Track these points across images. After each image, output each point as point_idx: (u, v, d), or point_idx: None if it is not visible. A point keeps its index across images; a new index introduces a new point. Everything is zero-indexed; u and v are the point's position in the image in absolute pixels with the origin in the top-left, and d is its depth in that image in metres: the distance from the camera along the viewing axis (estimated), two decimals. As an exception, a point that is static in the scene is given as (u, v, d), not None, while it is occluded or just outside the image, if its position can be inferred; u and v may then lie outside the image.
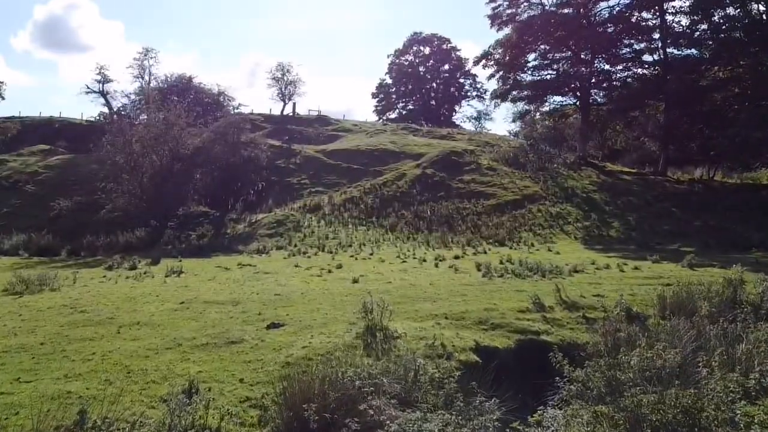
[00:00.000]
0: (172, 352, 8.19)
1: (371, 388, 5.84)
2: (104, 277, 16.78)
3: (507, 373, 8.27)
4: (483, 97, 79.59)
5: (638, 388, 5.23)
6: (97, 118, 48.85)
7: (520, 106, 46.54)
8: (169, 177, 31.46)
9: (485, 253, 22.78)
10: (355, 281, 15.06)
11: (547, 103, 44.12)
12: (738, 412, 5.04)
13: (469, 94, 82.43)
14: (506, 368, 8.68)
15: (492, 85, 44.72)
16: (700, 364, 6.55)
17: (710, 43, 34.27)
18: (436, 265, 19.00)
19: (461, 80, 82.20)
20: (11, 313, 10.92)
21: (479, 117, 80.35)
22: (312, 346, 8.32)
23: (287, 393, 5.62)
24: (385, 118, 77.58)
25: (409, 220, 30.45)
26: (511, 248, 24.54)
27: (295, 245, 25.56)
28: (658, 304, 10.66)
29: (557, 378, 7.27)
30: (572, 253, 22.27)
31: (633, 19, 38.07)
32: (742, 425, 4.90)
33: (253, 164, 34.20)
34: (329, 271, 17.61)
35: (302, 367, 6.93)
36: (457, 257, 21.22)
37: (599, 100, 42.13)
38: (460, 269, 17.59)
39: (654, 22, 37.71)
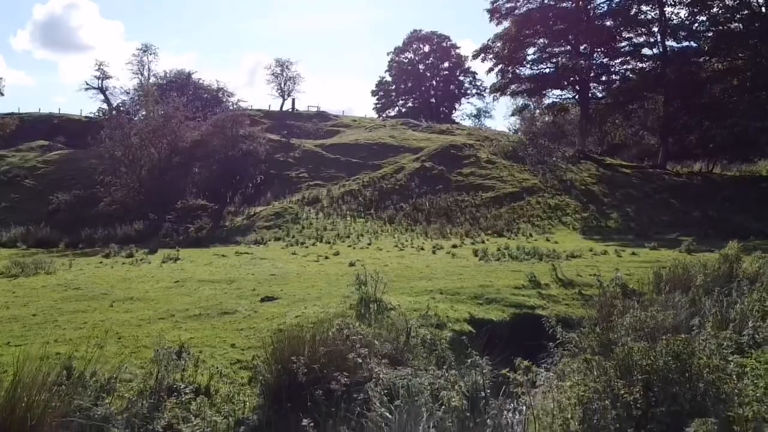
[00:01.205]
0: (165, 322, 8.16)
1: (363, 349, 5.79)
2: (101, 263, 16.75)
3: (501, 342, 8.26)
4: (482, 95, 79.58)
5: (630, 338, 5.18)
6: (96, 114, 48.82)
7: (519, 100, 46.50)
8: (167, 170, 31.42)
9: (483, 242, 22.72)
10: (352, 264, 15.03)
11: (546, 97, 44.09)
12: (731, 360, 5.01)
13: (468, 91, 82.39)
14: (501, 339, 8.66)
15: (491, 79, 44.78)
16: (693, 326, 6.51)
17: (709, 35, 34.22)
18: (434, 252, 18.99)
19: (461, 78, 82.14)
20: (5, 291, 10.89)
21: (479, 114, 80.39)
22: (305, 316, 8.28)
23: (276, 347, 5.57)
24: (384, 115, 77.50)
25: (407, 212, 30.42)
26: (509, 238, 24.49)
27: (293, 236, 25.52)
28: (653, 281, 10.60)
29: (550, 342, 7.25)
30: (570, 242, 22.23)
31: (632, 12, 38.00)
32: (734, 375, 4.85)
33: (251, 158, 34.09)
34: (326, 257, 17.58)
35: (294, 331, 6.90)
36: (455, 246, 21.16)
37: (598, 94, 42.07)
38: (458, 255, 17.57)
39: (653, 14, 37.71)
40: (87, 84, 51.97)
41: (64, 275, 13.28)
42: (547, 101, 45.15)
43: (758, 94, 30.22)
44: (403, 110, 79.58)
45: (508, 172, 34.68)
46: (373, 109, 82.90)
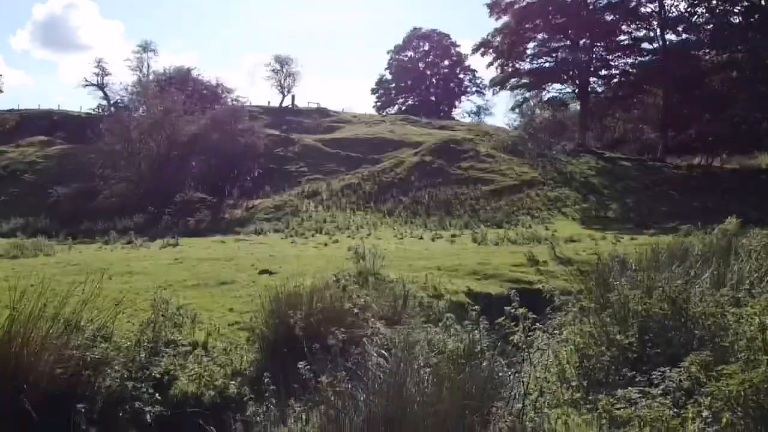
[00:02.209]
0: (163, 291, 8.15)
1: (361, 307, 5.79)
2: (100, 248, 16.77)
3: (500, 315, 8.27)
4: (482, 93, 79.46)
5: (626, 287, 5.18)
6: (96, 110, 48.84)
7: (519, 95, 46.50)
8: (166, 164, 31.47)
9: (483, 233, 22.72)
10: (350, 249, 15.02)
11: (546, 92, 44.10)
12: (727, 310, 5.00)
13: (468, 89, 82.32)
14: (500, 312, 8.67)
15: (491, 74, 44.78)
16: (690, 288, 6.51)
17: (708, 27, 34.25)
18: (433, 240, 19.03)
19: (461, 76, 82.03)
20: (4, 267, 10.89)
21: (479, 112, 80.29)
22: (303, 286, 8.27)
23: (274, 303, 5.58)
24: (384, 113, 77.47)
25: (407, 205, 30.42)
26: (508, 229, 24.48)
27: (293, 228, 25.53)
28: (651, 256, 10.58)
29: (548, 308, 7.25)
30: (569, 230, 22.23)
31: (631, 5, 38.03)
32: (731, 322, 4.84)
33: (250, 151, 34.13)
34: (325, 245, 17.62)
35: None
36: (454, 236, 21.16)
37: (598, 88, 42.08)
38: (457, 242, 17.60)
39: (652, 6, 37.74)
40: (86, 81, 51.98)
41: (63, 256, 13.30)
42: (546, 96, 45.18)
43: (758, 85, 30.22)
44: (403, 108, 79.46)
45: (507, 166, 34.67)
46: (373, 107, 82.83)
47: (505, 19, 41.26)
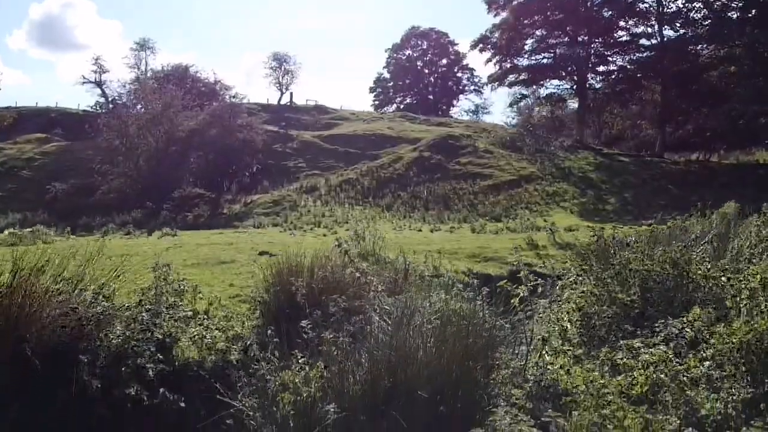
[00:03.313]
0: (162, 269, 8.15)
1: (361, 271, 5.79)
2: (98, 239, 16.72)
3: (500, 296, 8.28)
4: (480, 91, 79.45)
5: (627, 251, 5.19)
6: (94, 107, 48.75)
7: (517, 92, 46.52)
8: (164, 159, 31.44)
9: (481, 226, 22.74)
10: (349, 231, 15.04)
11: (544, 88, 44.15)
12: (727, 274, 5.01)
13: (466, 88, 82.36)
14: (500, 293, 8.68)
15: (489, 70, 44.80)
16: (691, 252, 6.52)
17: (706, 23, 34.32)
18: (432, 231, 19.02)
19: (459, 74, 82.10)
20: (3, 252, 10.86)
21: (477, 110, 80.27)
22: (305, 257, 8.28)
23: (275, 272, 5.58)
24: (382, 112, 77.49)
25: (405, 200, 30.44)
26: (506, 223, 24.53)
27: (292, 222, 25.55)
28: (651, 236, 10.60)
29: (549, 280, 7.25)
30: (568, 222, 22.25)
31: (629, 1, 38.08)
32: (734, 282, 4.85)
33: (248, 147, 34.10)
34: (324, 235, 17.61)
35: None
36: (453, 228, 21.17)
37: (596, 85, 42.15)
38: (455, 232, 17.61)
39: (650, 2, 37.81)
40: (84, 78, 51.90)
41: (61, 244, 13.26)
42: (544, 92, 45.22)
43: (756, 80, 30.27)
44: (401, 107, 79.44)
45: (506, 161, 34.68)
46: (371, 105, 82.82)
47: (503, 15, 41.31)
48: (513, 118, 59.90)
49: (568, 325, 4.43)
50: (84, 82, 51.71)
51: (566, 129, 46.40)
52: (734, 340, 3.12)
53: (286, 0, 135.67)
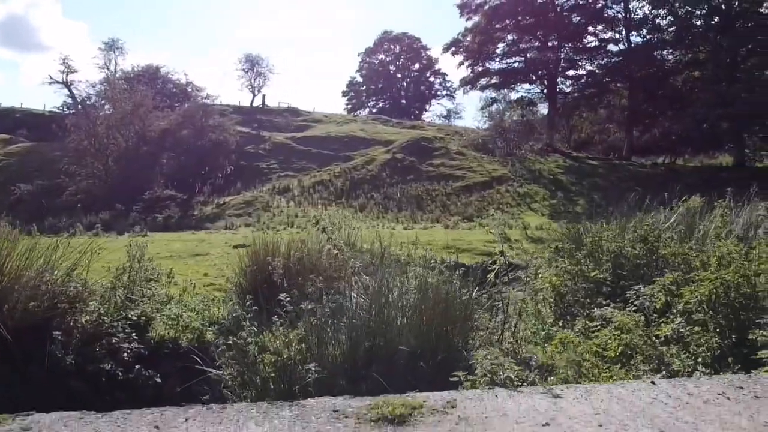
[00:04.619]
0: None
1: (338, 248, 5.80)
2: (65, 238, 16.40)
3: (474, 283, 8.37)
4: (452, 96, 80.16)
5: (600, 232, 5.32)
6: (60, 108, 47.76)
7: (489, 95, 47.05)
8: (135, 159, 30.94)
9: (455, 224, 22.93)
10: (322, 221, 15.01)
11: (515, 91, 44.75)
12: (694, 252, 5.16)
13: (438, 93, 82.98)
14: (475, 281, 8.78)
15: (462, 73, 45.10)
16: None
17: (672, 29, 35.27)
18: (405, 229, 19.09)
19: (431, 79, 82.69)
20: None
21: (449, 115, 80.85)
22: (281, 240, 8.26)
23: (251, 252, 5.56)
24: (355, 115, 77.57)
25: (378, 201, 30.51)
26: (479, 223, 24.78)
27: (264, 223, 25.39)
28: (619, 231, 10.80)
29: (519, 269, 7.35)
30: (539, 222, 22.58)
31: (598, 6, 38.95)
32: (698, 261, 5.00)
33: (221, 148, 33.82)
34: (298, 233, 17.53)
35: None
36: (426, 227, 21.30)
37: (566, 89, 42.90)
38: (429, 230, 17.71)
39: (617, 8, 38.73)
40: (51, 78, 50.75)
41: (26, 242, 12.96)
42: (515, 96, 45.84)
43: (718, 85, 31.18)
44: (374, 110, 79.66)
45: (477, 163, 35.04)
46: (344, 109, 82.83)
47: (475, 19, 41.82)
48: (484, 123, 60.48)
49: (542, 306, 4.52)
50: (51, 82, 50.55)
51: (536, 133, 47.05)
52: (703, 291, 3.23)
53: (257, 3, 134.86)
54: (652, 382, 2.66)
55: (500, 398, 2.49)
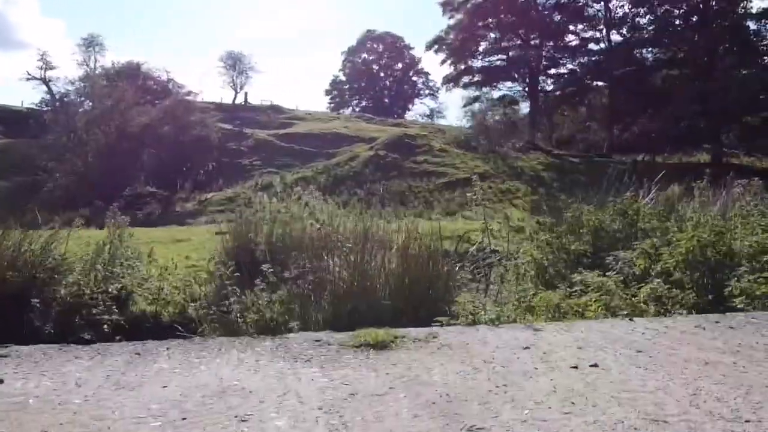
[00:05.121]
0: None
1: (320, 228, 5.80)
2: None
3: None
4: (435, 95, 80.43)
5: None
6: (38, 105, 46.99)
7: (471, 93, 47.28)
8: (115, 156, 30.57)
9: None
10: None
11: (497, 89, 45.03)
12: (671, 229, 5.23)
13: (421, 92, 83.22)
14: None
15: (444, 71, 45.24)
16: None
17: (650, 27, 35.79)
18: (387, 223, 19.12)
19: (414, 78, 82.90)
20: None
21: (432, 115, 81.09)
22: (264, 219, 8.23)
23: (235, 230, 5.54)
24: (338, 114, 77.46)
25: (361, 197, 30.53)
26: (462, 214, 24.89)
27: (246, 218, 25.24)
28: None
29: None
30: (521, 216, 22.75)
31: (579, 4, 39.37)
32: (675, 238, 5.07)
33: (203, 144, 33.58)
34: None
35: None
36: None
37: (547, 87, 43.28)
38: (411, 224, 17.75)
39: (598, 7, 39.18)
40: (29, 74, 50.02)
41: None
42: (497, 94, 46.13)
43: (697, 82, 31.71)
44: (357, 109, 79.63)
45: (460, 160, 35.22)
46: (327, 108, 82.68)
47: (458, 17, 41.99)
48: (467, 121, 60.75)
49: (524, 278, 4.57)
50: (29, 78, 49.87)
51: (518, 132, 47.38)
52: (680, 251, 3.29)
53: (239, 2, 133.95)
54: (631, 319, 2.74)
55: (481, 331, 2.55)
